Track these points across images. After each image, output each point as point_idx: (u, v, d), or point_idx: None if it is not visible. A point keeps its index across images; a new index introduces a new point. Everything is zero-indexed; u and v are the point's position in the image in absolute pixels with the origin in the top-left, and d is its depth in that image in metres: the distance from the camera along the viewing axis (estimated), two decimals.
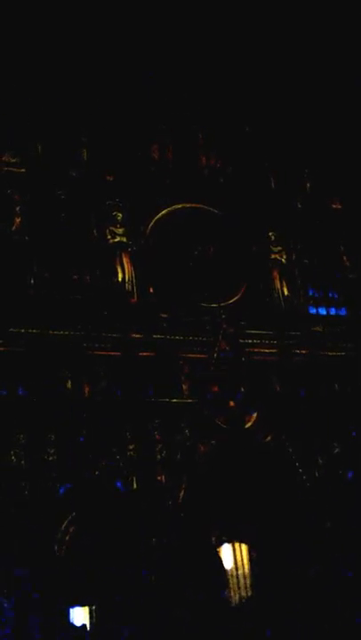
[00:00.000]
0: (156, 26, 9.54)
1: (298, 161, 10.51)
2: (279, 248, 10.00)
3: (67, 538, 7.86)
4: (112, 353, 8.53)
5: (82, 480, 7.97)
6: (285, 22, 9.84)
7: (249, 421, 8.82)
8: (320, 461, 8.93)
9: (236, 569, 8.85)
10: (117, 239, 9.15)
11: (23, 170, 9.02)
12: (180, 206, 9.78)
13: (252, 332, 9.29)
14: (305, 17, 9.82)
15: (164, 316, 8.90)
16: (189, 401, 8.67)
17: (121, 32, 9.45)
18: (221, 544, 8.80)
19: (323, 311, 10.03)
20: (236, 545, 8.93)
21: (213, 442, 8.61)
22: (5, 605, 7.25)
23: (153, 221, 9.54)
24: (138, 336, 8.66)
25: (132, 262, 9.09)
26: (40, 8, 9.11)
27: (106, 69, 9.45)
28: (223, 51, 9.73)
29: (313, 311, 9.96)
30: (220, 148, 10.27)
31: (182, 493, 8.24)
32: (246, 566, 8.89)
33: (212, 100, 10.15)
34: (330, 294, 10.19)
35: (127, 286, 8.98)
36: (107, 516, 7.95)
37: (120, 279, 8.97)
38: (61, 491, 7.83)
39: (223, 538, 8.80)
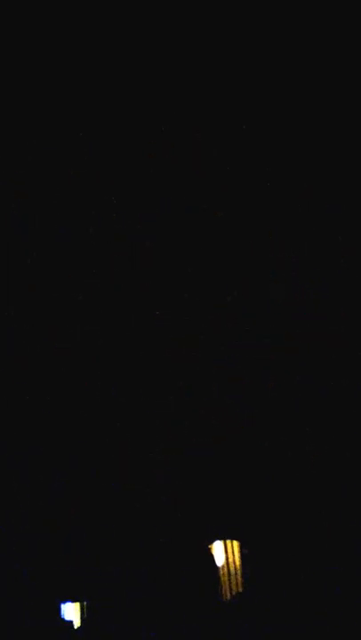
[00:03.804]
0: (154, 23, 9.51)
1: (296, 159, 10.49)
2: (276, 246, 10.02)
3: (59, 534, 7.93)
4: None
5: (75, 477, 8.03)
6: (284, 18, 9.82)
7: (244, 420, 8.86)
8: (314, 459, 8.96)
9: (228, 566, 8.92)
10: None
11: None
12: (176, 204, 9.82)
13: (249, 330, 9.32)
14: (304, 13, 9.79)
15: (158, 314, 8.96)
16: (185, 399, 8.70)
17: (119, 28, 9.42)
18: (213, 541, 8.85)
19: (320, 310, 10.04)
20: (228, 542, 8.97)
21: (207, 439, 8.67)
22: None
23: (148, 219, 9.61)
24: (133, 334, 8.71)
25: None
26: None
27: (103, 66, 9.44)
28: (220, 48, 9.70)
29: (310, 310, 9.98)
30: (218, 147, 10.27)
31: (175, 491, 8.31)
32: (238, 563, 8.97)
33: (208, 98, 10.13)
34: (327, 293, 10.19)
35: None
36: (99, 512, 8.02)
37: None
38: (54, 488, 7.90)
39: (215, 535, 8.85)
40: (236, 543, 8.93)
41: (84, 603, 8.07)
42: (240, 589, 8.72)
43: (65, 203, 9.18)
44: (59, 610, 7.87)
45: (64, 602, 8.00)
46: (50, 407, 8.22)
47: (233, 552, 8.91)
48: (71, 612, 8.00)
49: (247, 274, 9.83)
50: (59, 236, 8.92)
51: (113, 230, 9.20)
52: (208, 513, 8.56)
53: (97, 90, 9.42)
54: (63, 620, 7.79)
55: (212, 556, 8.74)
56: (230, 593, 8.73)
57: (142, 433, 8.38)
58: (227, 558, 8.87)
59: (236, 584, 8.79)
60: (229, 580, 8.81)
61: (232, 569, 8.84)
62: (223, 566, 8.86)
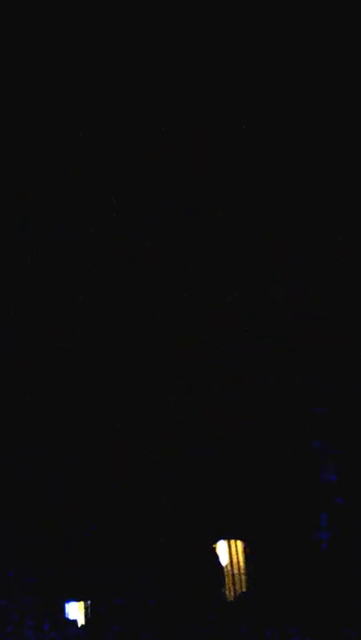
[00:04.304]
0: (154, 24, 9.50)
1: (296, 159, 10.48)
2: (276, 246, 10.01)
3: (60, 534, 7.92)
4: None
5: (75, 477, 8.02)
6: (283, 19, 9.81)
7: (244, 420, 8.85)
8: (316, 460, 8.96)
9: (232, 565, 8.92)
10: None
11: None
12: (176, 204, 9.81)
13: (249, 330, 9.30)
14: (305, 13, 9.78)
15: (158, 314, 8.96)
16: (185, 399, 8.69)
17: (119, 29, 9.41)
18: (217, 541, 8.85)
19: (320, 310, 10.03)
20: (232, 542, 8.97)
21: (207, 439, 8.66)
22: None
23: (148, 219, 9.60)
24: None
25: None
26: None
27: (103, 67, 9.43)
28: (220, 49, 9.70)
29: (310, 310, 9.97)
30: (218, 147, 10.26)
31: (175, 491, 8.31)
32: (242, 563, 8.96)
33: (208, 99, 10.13)
34: (327, 293, 10.18)
35: None
36: (100, 512, 8.01)
37: None
38: (54, 488, 7.89)
39: (219, 535, 8.85)
40: (239, 543, 8.94)
41: (88, 602, 8.08)
42: (243, 589, 8.72)
43: (65, 203, 9.17)
44: (62, 609, 7.88)
45: (68, 601, 8.01)
46: (50, 407, 8.21)
47: (237, 552, 8.92)
48: (75, 610, 8.01)
49: (247, 274, 9.82)
50: (59, 236, 8.91)
51: (113, 230, 9.19)
52: (212, 513, 8.57)
53: (97, 91, 9.41)
54: (67, 618, 7.80)
55: (215, 556, 8.75)
56: (234, 592, 8.74)
57: (142, 433, 8.37)
58: (230, 558, 8.87)
59: (240, 583, 8.79)
60: (233, 579, 8.81)
61: (236, 568, 8.84)
62: (227, 566, 8.87)
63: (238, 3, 9.35)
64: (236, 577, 8.81)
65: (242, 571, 8.84)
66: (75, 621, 7.74)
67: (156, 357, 8.76)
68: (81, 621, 7.83)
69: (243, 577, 8.82)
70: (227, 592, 8.68)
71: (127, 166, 9.71)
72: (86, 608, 8.00)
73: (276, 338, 9.26)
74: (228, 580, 8.78)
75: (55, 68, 9.21)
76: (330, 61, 9.89)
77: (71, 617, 7.84)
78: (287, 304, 9.78)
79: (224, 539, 8.86)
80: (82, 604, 8.02)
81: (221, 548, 8.86)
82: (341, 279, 10.30)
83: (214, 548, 8.77)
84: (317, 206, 10.30)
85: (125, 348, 8.63)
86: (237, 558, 8.88)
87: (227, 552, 8.85)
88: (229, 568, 8.83)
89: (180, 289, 9.19)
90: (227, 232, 9.96)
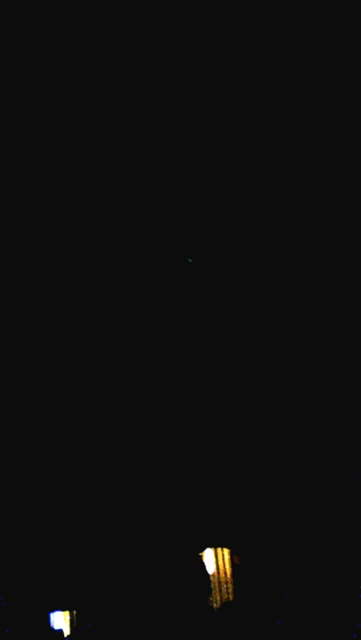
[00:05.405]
0: (154, 22, 9.50)
1: (296, 159, 10.47)
2: (276, 246, 10.00)
3: (48, 540, 7.90)
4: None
5: (73, 479, 8.03)
6: (284, 17, 9.79)
7: (244, 420, 8.84)
8: (313, 462, 8.95)
9: (218, 574, 8.88)
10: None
11: None
12: (176, 204, 9.81)
13: (249, 330, 9.29)
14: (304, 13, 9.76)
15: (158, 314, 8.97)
16: (186, 399, 8.70)
17: (118, 28, 9.41)
18: (204, 549, 8.81)
19: (320, 310, 10.02)
20: (219, 550, 8.93)
21: (200, 445, 8.66)
22: None
23: (148, 219, 9.60)
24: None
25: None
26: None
27: (103, 66, 9.43)
28: (220, 49, 9.68)
29: (310, 310, 9.96)
30: (217, 147, 10.25)
31: (166, 498, 8.29)
32: (228, 571, 8.93)
33: (208, 98, 10.12)
34: (329, 295, 10.17)
35: None
36: (90, 519, 8.00)
37: None
38: (46, 491, 7.88)
39: (205, 542, 8.82)
40: (226, 551, 8.91)
41: (74, 611, 8.00)
42: (230, 598, 8.69)
43: (65, 203, 9.17)
44: (47, 619, 7.80)
45: (53, 611, 7.92)
46: (50, 407, 8.23)
47: (223, 560, 8.88)
48: (60, 621, 7.92)
49: (247, 273, 9.81)
50: (59, 236, 8.92)
51: (113, 230, 9.19)
52: (199, 520, 8.55)
53: (97, 90, 9.40)
54: (52, 629, 7.72)
55: (202, 564, 8.71)
56: (220, 601, 8.70)
57: (142, 433, 8.38)
58: (217, 566, 8.83)
59: (227, 592, 8.76)
60: (220, 588, 8.77)
61: (222, 577, 8.81)
62: (214, 574, 8.82)
63: (238, 2, 9.34)
64: (223, 586, 8.77)
65: (229, 579, 8.81)
66: (60, 632, 7.68)
67: (156, 357, 8.77)
68: (67, 632, 7.75)
69: (230, 586, 8.79)
70: (213, 601, 8.63)
71: (127, 166, 9.70)
72: (72, 618, 7.93)
73: (276, 338, 9.25)
74: (214, 588, 8.73)
75: (54, 68, 9.20)
76: (331, 61, 9.87)
77: (56, 627, 7.75)
78: (287, 304, 9.78)
79: (211, 546, 8.83)
80: (67, 613, 7.94)
81: (208, 556, 8.82)
82: (341, 279, 10.29)
83: (201, 557, 8.73)
84: (317, 206, 10.28)
85: (125, 348, 8.64)
86: (224, 567, 8.84)
87: (213, 560, 8.81)
88: (216, 576, 8.80)
89: (181, 289, 9.20)
90: (227, 232, 9.95)
